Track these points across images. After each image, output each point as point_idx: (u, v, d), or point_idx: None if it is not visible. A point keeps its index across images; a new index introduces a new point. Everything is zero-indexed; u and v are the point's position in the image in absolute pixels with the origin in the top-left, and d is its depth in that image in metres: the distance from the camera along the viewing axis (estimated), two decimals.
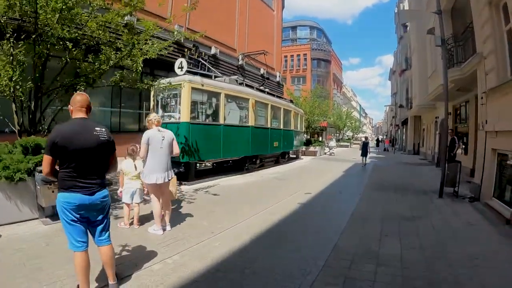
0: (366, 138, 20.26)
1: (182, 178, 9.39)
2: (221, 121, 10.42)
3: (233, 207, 6.68)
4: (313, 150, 22.20)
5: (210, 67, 12.61)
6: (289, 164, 15.79)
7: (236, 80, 12.18)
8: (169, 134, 5.03)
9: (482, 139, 7.90)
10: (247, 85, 12.50)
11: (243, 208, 6.59)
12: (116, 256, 3.48)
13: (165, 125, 10.06)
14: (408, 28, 29.07)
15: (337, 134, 51.30)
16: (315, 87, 28.27)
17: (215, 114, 10.44)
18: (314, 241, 4.53)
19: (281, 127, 14.76)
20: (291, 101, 19.59)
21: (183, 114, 9.20)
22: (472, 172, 10.85)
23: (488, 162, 7.24)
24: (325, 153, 24.55)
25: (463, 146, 13.02)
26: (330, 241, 4.50)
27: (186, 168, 9.52)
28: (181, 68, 9.82)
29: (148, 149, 4.75)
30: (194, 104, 9.64)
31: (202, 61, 12.75)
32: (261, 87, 14.57)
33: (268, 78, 19.57)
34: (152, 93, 10.11)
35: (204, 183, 9.48)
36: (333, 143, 24.20)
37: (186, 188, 8.68)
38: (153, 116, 5.08)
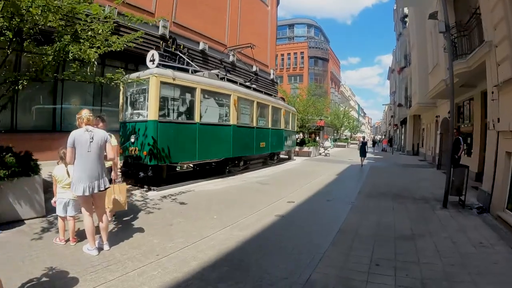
0: (364, 138, 19.51)
1: (152, 183, 8.33)
2: (197, 119, 9.35)
3: (197, 219, 5.66)
4: (306, 150, 21.10)
5: (190, 61, 11.48)
6: (278, 166, 14.67)
7: (217, 75, 11.09)
8: (100, 135, 4.04)
9: (493, 140, 6.80)
10: (229, 80, 11.38)
11: (209, 220, 5.55)
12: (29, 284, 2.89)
13: (134, 124, 9.07)
14: (407, 24, 27.98)
15: (335, 134, 50.16)
16: (310, 84, 27.09)
17: (190, 112, 9.37)
18: (279, 275, 3.41)
19: (269, 126, 13.65)
20: (283, 99, 18.46)
21: (151, 112, 8.17)
22: (478, 177, 9.74)
23: (501, 167, 6.13)
24: (319, 154, 23.46)
25: (466, 147, 11.93)
26: (301, 275, 3.39)
27: (155, 172, 8.41)
28: (153, 61, 8.85)
29: (75, 153, 3.75)
30: (164, 100, 8.61)
31: (181, 54, 11.61)
32: (247, 83, 13.47)
33: (257, 74, 18.33)
34: (121, 89, 9.16)
35: (176, 189, 8.43)
36: (328, 143, 23.09)
37: (153, 194, 7.60)
38: (84, 113, 4.08)
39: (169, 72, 8.55)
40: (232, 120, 10.82)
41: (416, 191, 8.83)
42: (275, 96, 15.29)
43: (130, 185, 8.28)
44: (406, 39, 28.37)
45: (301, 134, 24.01)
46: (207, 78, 10.15)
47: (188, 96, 9.49)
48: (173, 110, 9.02)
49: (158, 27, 15.57)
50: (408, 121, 27.51)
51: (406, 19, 29.00)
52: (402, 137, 34.67)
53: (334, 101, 59.65)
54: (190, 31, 18.60)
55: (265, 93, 13.97)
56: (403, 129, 34.45)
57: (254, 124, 12.35)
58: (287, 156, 18.72)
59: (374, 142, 34.69)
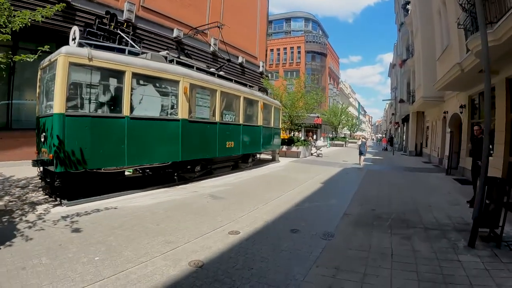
0: (364, 138, 17.57)
1: (67, 194, 6.24)
2: (125, 112, 6.96)
3: (67, 262, 3.60)
4: (295, 151, 18.55)
5: (134, 44, 9.01)
6: (252, 170, 12.12)
7: (165, 57, 8.63)
8: None
9: None
10: (181, 63, 8.88)
11: (89, 263, 3.50)
12: None
13: (45, 118, 6.70)
14: (409, 11, 25.35)
15: (333, 132, 47.49)
16: (306, 77, 24.53)
17: (116, 102, 7.03)
18: None
19: (241, 121, 11.10)
20: (265, 91, 15.94)
21: (56, 103, 6.03)
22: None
23: None
24: (311, 154, 20.91)
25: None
26: None
27: (69, 180, 6.29)
28: (74, 39, 6.94)
29: None
30: (75, 87, 6.42)
31: (121, 33, 9.12)
32: (212, 69, 10.98)
33: (229, 60, 15.83)
34: (38, 76, 7.19)
35: (94, 203, 6.26)
36: (321, 142, 20.54)
37: (57, 212, 5.58)
38: None
39: (83, 50, 6.32)
40: (182, 114, 8.32)
41: (425, 212, 6.27)
42: (251, 86, 12.71)
43: (47, 196, 6.55)
44: (408, 29, 25.82)
45: (285, 132, 21.41)
46: (144, 59, 7.67)
47: (113, 81, 7.17)
48: (90, 100, 6.74)
49: (122, 11, 13.19)
50: (411, 119, 24.93)
51: (408, 6, 26.38)
52: (404, 136, 32.08)
53: (332, 98, 57.05)
54: (161, 16, 16.16)
55: (237, 82, 11.41)
56: (404, 128, 31.84)
57: (217, 119, 9.83)
58: (271, 158, 16.19)
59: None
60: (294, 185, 9.12)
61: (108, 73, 6.91)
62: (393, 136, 41.53)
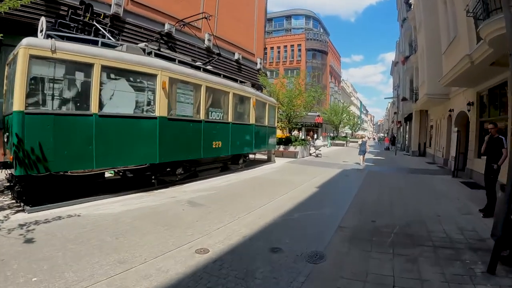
0: (364, 137, 16.82)
1: (29, 200, 5.70)
2: (94, 109, 6.23)
3: (9, 280, 3.11)
4: (292, 151, 17.69)
5: (109, 36, 8.22)
6: (243, 172, 11.28)
7: (144, 49, 7.85)
8: None
9: None
10: (161, 56, 8.09)
11: (25, 285, 3.05)
12: None
13: (8, 118, 5.99)
14: (412, 6, 24.41)
15: (334, 132, 46.49)
16: (299, 74, 23.56)
17: (83, 98, 6.31)
18: None
19: (230, 119, 10.25)
20: (261, 88, 15.09)
21: (15, 99, 5.40)
22: None
23: None
24: (310, 154, 20.05)
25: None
26: None
27: (33, 184, 5.79)
28: (42, 31, 6.53)
29: None
30: (36, 82, 5.73)
31: (97, 25, 8.32)
32: (198, 63, 10.18)
33: (219, 55, 15.04)
34: (5, 72, 6.80)
35: (57, 210, 5.60)
36: (320, 142, 19.64)
37: (17, 219, 5.03)
38: None
39: (45, 42, 5.68)
40: (160, 111, 7.51)
41: (433, 224, 5.40)
42: (242, 82, 11.86)
43: (14, 201, 5.98)
44: (411, 24, 24.91)
45: (285, 131, 20.52)
46: (117, 51, 6.89)
47: (80, 75, 6.46)
48: (53, 96, 6.06)
49: (109, 4, 12.40)
50: (414, 117, 24.00)
51: (410, 1, 25.45)
52: (407, 136, 31.14)
53: (333, 97, 56.10)
54: (151, 11, 15.35)
55: (226, 77, 10.56)
56: (407, 127, 30.91)
57: (202, 117, 9.00)
58: (266, 158, 15.35)
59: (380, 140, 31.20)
60: (287, 189, 8.27)
61: (74, 66, 6.20)
62: (395, 135, 40.54)
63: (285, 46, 53.26)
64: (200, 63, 10.42)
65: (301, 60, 51.04)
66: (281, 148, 17.87)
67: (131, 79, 7.27)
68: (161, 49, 9.02)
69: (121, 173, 8.42)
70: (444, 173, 12.58)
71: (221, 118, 9.88)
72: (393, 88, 49.54)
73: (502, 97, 9.44)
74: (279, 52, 53.49)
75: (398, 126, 35.64)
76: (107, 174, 8.60)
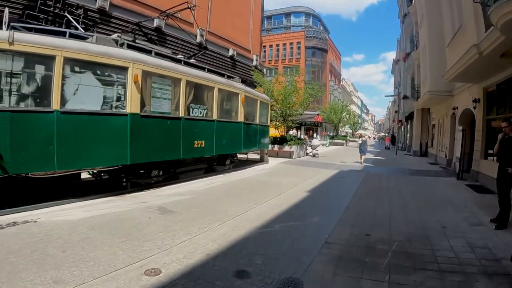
0: (364, 136, 17.78)
1: None
2: (55, 106, 5.61)
3: None
4: (287, 150, 16.86)
5: (81, 28, 7.45)
6: (231, 174, 10.46)
7: (116, 41, 7.10)
8: None
9: None
10: (133, 47, 7.31)
11: None
12: None
13: None
14: (413, 0, 23.53)
15: (334, 131, 45.55)
16: (298, 72, 22.67)
17: (43, 94, 5.66)
18: None
19: (214, 117, 9.43)
20: (254, 85, 14.28)
21: None
22: None
23: None
24: (307, 154, 19.21)
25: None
26: None
27: None
28: (5, 23, 6.00)
29: None
30: None
31: (69, 16, 7.55)
32: (180, 56, 9.41)
33: (206, 48, 14.26)
34: None
35: (16, 215, 4.99)
36: (317, 141, 18.77)
37: None
38: None
39: (2, 33, 5.04)
40: (131, 107, 6.73)
41: (438, 238, 4.56)
42: (230, 77, 11.04)
43: None
44: (412, 19, 24.06)
45: (282, 130, 19.67)
46: (83, 42, 6.13)
47: (40, 69, 5.77)
48: (10, 91, 5.45)
49: None
50: (415, 116, 23.13)
51: None
52: (408, 135, 30.26)
53: (333, 95, 55.23)
54: (140, 5, 14.53)
55: (211, 71, 9.75)
56: (408, 126, 30.04)
57: (182, 114, 8.18)
58: (259, 158, 14.53)
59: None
60: (273, 194, 7.45)
61: (34, 58, 5.51)
62: (395, 134, 39.65)
63: (284, 44, 52.40)
64: (182, 56, 9.60)
65: (301, 58, 50.15)
66: (276, 147, 17.05)
67: (99, 72, 6.50)
68: (138, 41, 8.23)
69: (97, 175, 7.67)
70: (448, 175, 11.74)
71: (204, 115, 9.06)
72: (394, 87, 48.65)
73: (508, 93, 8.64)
74: (278, 50, 52.64)
75: (399, 125, 34.78)
76: (86, 175, 7.92)
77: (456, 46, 10.14)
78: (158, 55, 7.84)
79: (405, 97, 27.13)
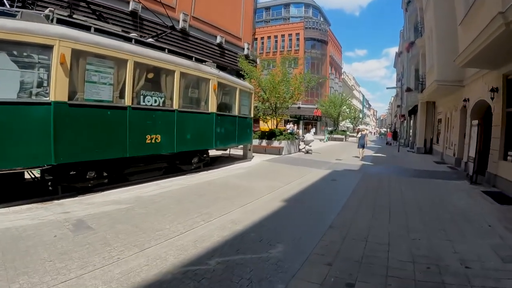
0: (363, 130, 16.97)
1: None
2: None
3: None
4: (277, 146, 15.15)
5: (7, 4, 5.81)
6: (199, 174, 8.80)
7: (48, 16, 5.45)
8: None
9: None
10: (64, 22, 5.68)
11: None
12: None
13: None
14: None
15: (334, 126, 43.60)
16: (297, 65, 20.87)
17: None
18: None
19: (175, 106, 7.73)
20: (241, 75, 12.56)
21: None
22: None
23: None
24: (299, 150, 17.51)
25: None
26: None
27: None
28: None
29: None
30: None
31: None
32: (133, 34, 7.79)
33: (174, 28, 12.57)
34: None
35: None
36: (310, 136, 16.99)
37: None
38: None
39: None
40: (56, 94, 5.17)
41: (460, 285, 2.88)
42: (201, 60, 9.32)
43: None
44: (416, 5, 22.20)
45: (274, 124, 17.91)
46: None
47: None
48: None
49: None
50: (419, 110, 21.32)
51: None
52: (411, 131, 28.45)
53: (333, 89, 53.28)
54: None
55: (173, 52, 8.06)
56: (411, 121, 28.21)
57: (128, 102, 6.50)
58: (242, 154, 12.84)
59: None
60: (238, 204, 5.77)
61: None
62: (397, 129, 37.81)
63: (283, 35, 50.39)
64: (135, 35, 7.88)
65: (300, 50, 48.17)
66: (264, 143, 15.35)
67: (16, 53, 4.95)
68: (77, 17, 6.53)
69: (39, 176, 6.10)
70: (458, 177, 10.02)
71: (160, 104, 7.36)
72: (396, 81, 46.66)
73: None
74: (276, 41, 50.65)
75: (402, 120, 32.91)
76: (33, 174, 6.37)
77: (471, 22, 8.35)
78: (100, 31, 6.17)
79: (408, 90, 25.27)
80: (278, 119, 16.91)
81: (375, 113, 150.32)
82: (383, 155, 19.23)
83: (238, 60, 16.07)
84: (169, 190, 6.67)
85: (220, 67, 11.29)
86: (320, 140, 32.39)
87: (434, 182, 9.02)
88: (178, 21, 16.75)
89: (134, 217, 4.77)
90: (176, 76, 7.70)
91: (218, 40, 20.01)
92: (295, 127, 34.49)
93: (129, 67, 6.48)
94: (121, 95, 6.46)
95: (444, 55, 13.08)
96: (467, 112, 11.85)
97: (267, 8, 56.56)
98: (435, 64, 13.78)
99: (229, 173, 9.19)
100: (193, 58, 8.84)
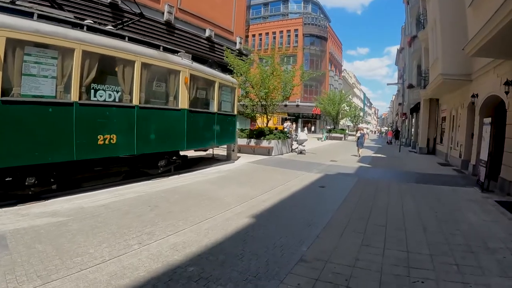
0: (362, 130, 16.57)
1: None
2: None
3: None
4: (266, 146, 13.92)
5: None
6: (166, 180, 7.59)
7: None
8: None
9: None
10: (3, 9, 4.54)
11: None
12: None
13: None
14: None
15: (335, 124, 42.18)
16: (292, 60, 19.54)
17: None
18: None
19: (135, 102, 6.53)
20: (227, 69, 11.33)
21: None
22: None
23: None
24: (292, 150, 16.28)
25: None
26: None
27: None
28: None
29: None
30: None
31: None
32: (88, 21, 6.65)
33: (143, 15, 11.27)
34: None
35: None
36: (303, 135, 15.73)
37: None
38: None
39: None
40: None
41: None
42: (172, 50, 8.11)
43: None
44: None
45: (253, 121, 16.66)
46: None
47: None
48: None
49: None
50: (422, 108, 20.02)
51: None
52: (413, 130, 27.15)
53: (333, 86, 51.92)
54: None
55: (134, 40, 6.90)
56: (413, 119, 26.91)
57: (75, 98, 5.36)
58: (226, 155, 11.62)
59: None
60: (193, 220, 4.58)
61: None
62: (399, 129, 36.46)
63: (281, 32, 49.06)
64: (90, 21, 6.68)
65: (298, 47, 46.78)
66: (252, 142, 14.12)
67: None
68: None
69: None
70: (467, 183, 8.78)
71: (117, 99, 6.18)
72: (398, 78, 45.27)
73: None
74: (274, 37, 49.28)
75: (403, 118, 31.60)
76: None
77: (484, 2, 7.09)
78: (44, 17, 5.03)
79: (410, 86, 23.97)
80: (268, 117, 15.61)
81: (376, 112, 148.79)
82: (382, 155, 17.98)
83: (225, 53, 14.79)
84: (121, 200, 5.48)
85: (204, 61, 10.10)
86: (318, 139, 31.12)
87: (440, 190, 7.77)
88: (163, 13, 15.60)
89: (62, 235, 3.72)
90: (137, 67, 6.51)
91: (207, 33, 18.75)
92: (293, 125, 33.22)
93: (77, 57, 5.34)
94: (67, 90, 5.31)
95: (449, 46, 11.83)
96: (476, 109, 10.60)
97: (266, 4, 55.16)
98: (439, 57, 12.50)
99: (203, 178, 7.97)
100: (161, 48, 7.63)
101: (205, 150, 10.70)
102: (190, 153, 10.83)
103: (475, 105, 10.72)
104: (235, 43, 20.25)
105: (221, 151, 12.25)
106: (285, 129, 25.87)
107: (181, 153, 10.04)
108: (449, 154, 14.53)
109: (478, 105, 10.46)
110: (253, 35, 50.42)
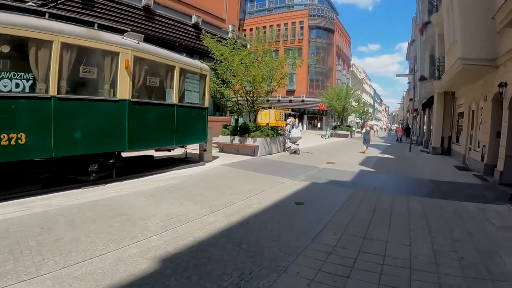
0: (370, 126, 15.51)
1: None
2: None
3: None
4: (250, 145, 12.02)
5: None
6: (100, 188, 5.82)
7: None
8: None
9: None
10: None
11: None
12: None
13: None
14: None
15: (339, 120, 39.80)
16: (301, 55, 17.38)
17: None
18: None
19: (53, 92, 4.84)
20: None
21: None
22: None
23: None
24: (284, 149, 14.35)
25: None
26: None
27: None
28: None
29: None
30: None
31: None
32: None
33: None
34: None
35: None
36: (297, 132, 13.71)
37: None
38: None
39: None
40: None
41: None
42: (113, 29, 6.29)
43: None
44: None
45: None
46: None
47: None
48: None
49: None
50: (436, 102, 17.74)
51: None
52: (425, 127, 24.81)
53: (341, 81, 49.48)
54: None
55: (56, 16, 5.17)
56: (425, 116, 24.57)
57: None
58: (199, 157, 9.78)
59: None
60: (68, 259, 2.75)
61: None
62: (410, 126, 34.00)
63: (286, 24, 46.87)
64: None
65: (304, 39, 44.63)
66: (236, 140, 12.25)
67: None
68: None
69: None
70: (496, 197, 6.74)
71: (27, 89, 4.47)
72: (408, 71, 42.62)
73: None
74: (279, 30, 47.11)
75: (414, 114, 29.20)
76: None
77: None
78: None
79: (422, 79, 21.66)
80: (256, 111, 13.63)
81: (387, 109, 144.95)
82: (390, 156, 15.87)
83: (202, 37, 12.89)
84: (18, 216, 3.88)
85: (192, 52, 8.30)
86: (322, 136, 29.00)
87: (461, 208, 5.75)
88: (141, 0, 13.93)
89: None
90: (55, 48, 4.81)
91: (194, 20, 16.91)
92: (297, 121, 31.11)
93: None
94: None
95: (470, 24, 9.74)
96: (506, 101, 8.48)
97: None
98: (458, 39, 10.33)
99: (145, 188, 6.13)
100: (95, 25, 5.82)
101: (170, 151, 8.88)
102: (161, 153, 9.07)
103: (503, 96, 8.62)
104: (227, 31, 18.35)
105: (194, 150, 10.44)
106: (288, 126, 23.84)
107: (146, 153, 8.32)
108: (467, 155, 12.35)
109: (507, 97, 8.38)
110: (257, 28, 48.38)
